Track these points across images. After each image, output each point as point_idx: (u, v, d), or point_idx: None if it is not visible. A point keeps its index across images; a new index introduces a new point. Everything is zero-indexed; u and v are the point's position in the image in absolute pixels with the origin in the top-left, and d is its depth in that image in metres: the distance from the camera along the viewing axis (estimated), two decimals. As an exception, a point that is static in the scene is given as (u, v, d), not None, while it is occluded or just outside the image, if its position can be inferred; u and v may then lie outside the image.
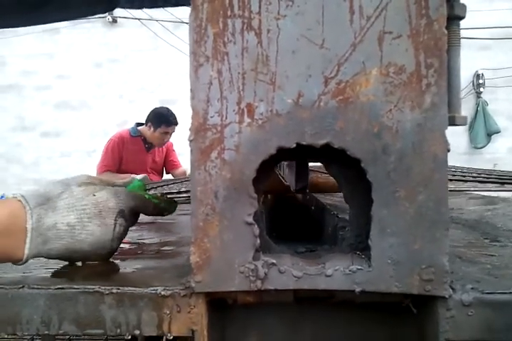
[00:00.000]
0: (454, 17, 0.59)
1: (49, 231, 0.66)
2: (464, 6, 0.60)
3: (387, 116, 0.56)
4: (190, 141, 0.57)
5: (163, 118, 3.74)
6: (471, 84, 7.43)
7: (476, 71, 7.37)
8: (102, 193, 0.71)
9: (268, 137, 0.57)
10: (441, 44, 0.55)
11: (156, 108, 3.93)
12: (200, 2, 0.56)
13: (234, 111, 0.57)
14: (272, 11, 0.56)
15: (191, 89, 0.57)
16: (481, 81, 7.39)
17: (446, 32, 0.55)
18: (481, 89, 7.44)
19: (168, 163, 4.08)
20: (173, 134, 3.84)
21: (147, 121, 3.81)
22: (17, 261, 0.65)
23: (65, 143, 7.95)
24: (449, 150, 0.55)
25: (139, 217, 0.78)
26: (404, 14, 0.55)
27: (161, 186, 1.28)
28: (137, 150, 3.81)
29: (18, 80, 8.02)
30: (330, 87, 0.56)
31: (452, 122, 0.59)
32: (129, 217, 0.74)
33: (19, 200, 0.66)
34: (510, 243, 0.92)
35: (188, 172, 3.87)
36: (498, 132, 7.40)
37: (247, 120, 0.57)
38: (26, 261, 0.65)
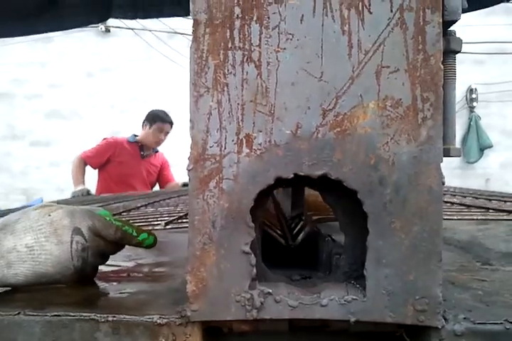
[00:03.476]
0: (450, 51, 0.61)
1: (10, 254, 0.67)
2: (459, 40, 0.62)
3: (384, 148, 0.57)
4: (189, 170, 0.58)
5: (159, 116, 3.91)
6: (465, 98, 7.50)
7: (470, 86, 7.44)
8: (56, 212, 0.72)
9: (266, 167, 0.57)
10: (437, 78, 0.56)
11: (152, 110, 4.05)
12: (202, 34, 0.57)
13: (233, 141, 0.57)
14: (272, 44, 0.57)
15: (191, 119, 0.57)
16: (474, 95, 7.45)
17: (442, 67, 0.56)
18: (474, 104, 7.50)
19: (162, 177, 4.11)
20: (167, 147, 3.89)
21: (144, 121, 3.93)
22: None
23: (55, 153, 7.91)
24: (443, 183, 0.56)
25: (103, 238, 0.76)
26: (401, 49, 0.56)
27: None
28: (132, 154, 3.88)
29: (9, 88, 7.99)
30: (328, 119, 0.57)
31: (447, 154, 0.60)
32: (90, 237, 0.73)
33: None
34: (501, 266, 0.93)
35: (180, 185, 3.87)
36: (490, 147, 7.46)
37: (245, 150, 0.57)
38: None
